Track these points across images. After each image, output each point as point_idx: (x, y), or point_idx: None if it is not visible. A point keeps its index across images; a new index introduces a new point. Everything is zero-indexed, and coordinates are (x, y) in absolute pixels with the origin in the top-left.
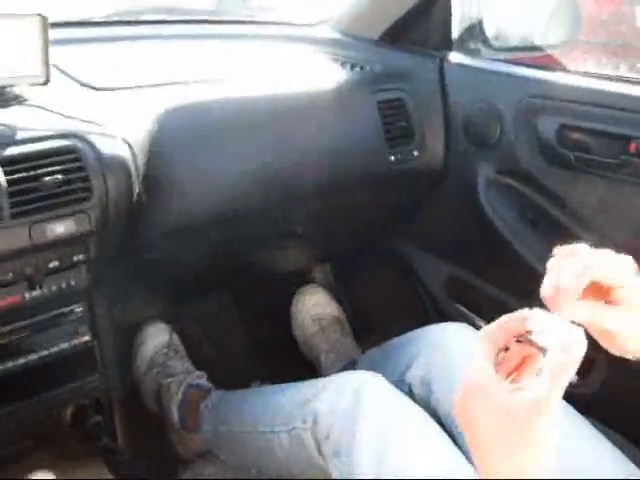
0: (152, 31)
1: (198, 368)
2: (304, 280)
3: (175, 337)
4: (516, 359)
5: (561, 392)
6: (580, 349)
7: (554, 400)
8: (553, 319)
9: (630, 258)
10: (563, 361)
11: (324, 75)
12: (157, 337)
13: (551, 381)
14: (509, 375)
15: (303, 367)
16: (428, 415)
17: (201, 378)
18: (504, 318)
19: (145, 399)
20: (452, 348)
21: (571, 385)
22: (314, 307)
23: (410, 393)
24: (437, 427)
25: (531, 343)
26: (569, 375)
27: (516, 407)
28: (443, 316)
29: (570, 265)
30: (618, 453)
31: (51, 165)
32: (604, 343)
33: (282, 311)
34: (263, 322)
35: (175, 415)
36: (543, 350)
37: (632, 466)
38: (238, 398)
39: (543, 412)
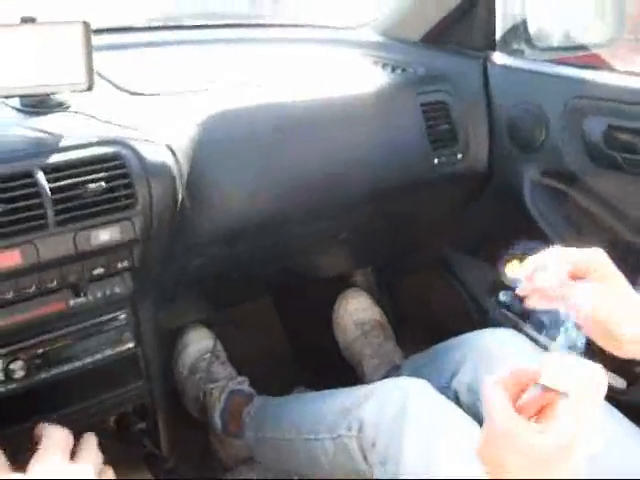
0: (192, 36)
1: (240, 373)
2: (346, 284)
3: (217, 342)
4: (535, 405)
5: (586, 434)
6: (601, 386)
7: (580, 442)
8: (568, 361)
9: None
10: (586, 402)
11: (366, 78)
12: (199, 342)
13: (577, 423)
14: (529, 419)
15: (346, 372)
16: (476, 422)
17: (243, 384)
18: (516, 367)
19: (187, 404)
20: (500, 354)
21: (618, 392)
22: (356, 311)
23: (457, 400)
24: None
25: (550, 389)
26: (593, 415)
27: (545, 449)
28: (488, 322)
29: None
30: None
31: (95, 172)
32: (602, 341)
33: (324, 315)
34: (305, 326)
35: (217, 421)
36: (564, 394)
37: None
38: (280, 405)
39: (570, 454)
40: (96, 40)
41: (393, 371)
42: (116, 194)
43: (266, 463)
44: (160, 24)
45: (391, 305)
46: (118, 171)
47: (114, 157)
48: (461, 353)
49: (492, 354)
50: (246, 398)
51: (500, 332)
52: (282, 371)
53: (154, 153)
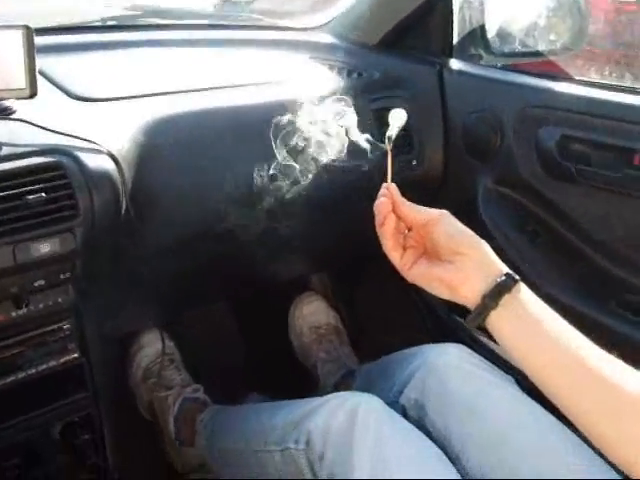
0: (147, 37)
1: (195, 377)
2: (302, 289)
3: (171, 345)
4: None
5: None
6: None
7: None
8: None
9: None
10: None
11: (320, 82)
12: (152, 345)
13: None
14: None
15: (301, 376)
16: (424, 436)
17: (197, 392)
18: None
19: (140, 408)
20: (447, 371)
21: None
22: (311, 316)
23: (405, 414)
24: (435, 448)
25: None
26: None
27: None
28: (441, 328)
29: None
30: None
31: (35, 183)
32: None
33: (280, 319)
34: (261, 330)
35: (171, 429)
36: None
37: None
38: (233, 414)
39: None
40: (47, 39)
41: (348, 376)
42: (57, 205)
43: (218, 472)
44: (116, 23)
45: (346, 310)
46: (59, 181)
47: (55, 167)
48: (411, 368)
49: (441, 371)
50: (200, 406)
51: (450, 348)
52: (237, 376)
53: (97, 162)
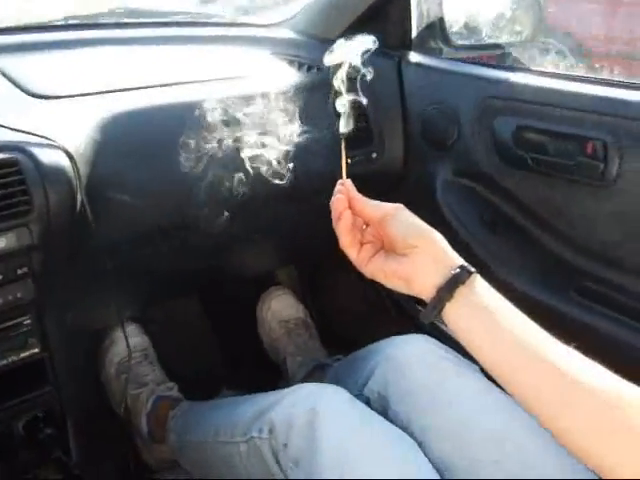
0: (109, 35)
1: (167, 371)
2: (270, 283)
3: (145, 340)
4: None
5: None
6: None
7: None
8: None
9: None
10: None
11: (279, 77)
12: (128, 339)
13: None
14: None
15: (270, 370)
16: (388, 422)
17: (171, 390)
18: None
19: (112, 404)
20: (410, 363)
21: None
22: (280, 310)
23: (369, 407)
24: (398, 431)
25: None
26: None
27: None
28: (408, 320)
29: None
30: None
31: None
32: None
33: (249, 314)
34: (230, 325)
35: (144, 425)
36: None
37: None
38: (203, 408)
39: None
40: (8, 39)
41: (317, 370)
42: (12, 200)
43: (187, 466)
44: (76, 22)
45: (315, 304)
46: (14, 177)
47: (10, 163)
48: (374, 361)
49: (403, 363)
50: (173, 403)
51: (413, 339)
52: (209, 369)
53: (52, 159)
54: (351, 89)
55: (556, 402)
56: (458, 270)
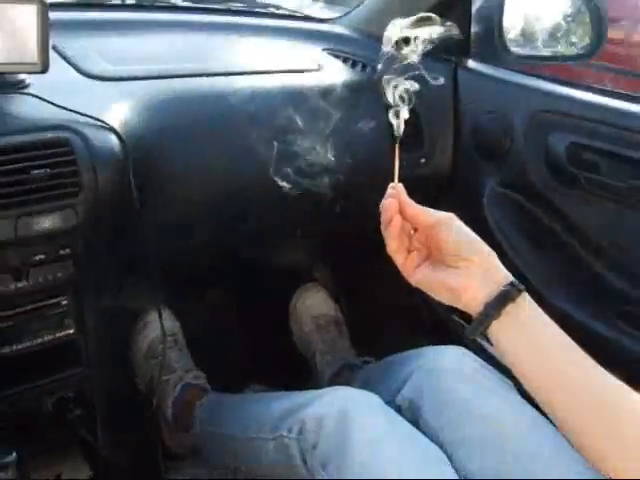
0: (165, 17)
1: (197, 361)
2: (305, 279)
3: (176, 325)
4: None
5: None
6: None
7: None
8: None
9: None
10: None
11: (333, 74)
12: (158, 324)
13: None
14: None
15: (300, 366)
16: (420, 433)
17: (199, 378)
18: None
19: (140, 386)
20: (446, 374)
21: None
22: (313, 306)
23: (400, 414)
24: (431, 445)
25: None
26: None
27: None
28: (442, 328)
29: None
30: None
31: (40, 158)
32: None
33: (282, 308)
34: (263, 318)
35: (169, 412)
36: None
37: None
38: (231, 402)
39: None
40: (64, 16)
41: (345, 369)
42: (61, 181)
43: (210, 456)
44: (134, 2)
45: (348, 303)
46: (64, 158)
47: (61, 143)
48: (408, 370)
49: (438, 374)
50: (200, 392)
51: (450, 350)
52: (238, 364)
53: (103, 140)
54: (405, 93)
55: (599, 433)
56: (508, 287)
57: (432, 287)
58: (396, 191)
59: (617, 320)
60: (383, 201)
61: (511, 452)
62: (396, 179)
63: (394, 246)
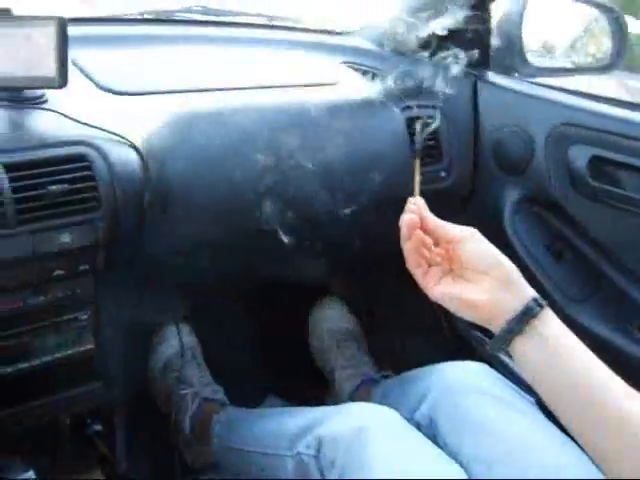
0: (184, 32)
1: (215, 375)
2: (324, 293)
3: (194, 340)
4: None
5: None
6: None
7: None
8: None
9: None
10: None
11: (353, 87)
12: (175, 339)
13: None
14: None
15: (318, 381)
16: (440, 450)
17: (217, 393)
18: None
19: (157, 400)
20: (465, 390)
21: None
22: (331, 320)
23: (419, 430)
24: (453, 463)
25: None
26: None
27: None
28: (462, 343)
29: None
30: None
31: (59, 173)
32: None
33: (300, 322)
34: (281, 333)
35: (187, 425)
36: None
37: None
38: (250, 416)
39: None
40: (84, 30)
41: (364, 384)
42: (80, 196)
43: (228, 471)
44: (153, 17)
45: (367, 317)
46: (83, 173)
47: (80, 158)
48: (427, 385)
49: (456, 389)
50: (218, 407)
51: (469, 365)
52: (256, 377)
53: (122, 156)
54: (425, 105)
55: (620, 451)
56: (530, 303)
57: (452, 302)
58: (416, 206)
59: (637, 334)
60: (403, 216)
61: (532, 469)
62: (417, 193)
63: (414, 261)
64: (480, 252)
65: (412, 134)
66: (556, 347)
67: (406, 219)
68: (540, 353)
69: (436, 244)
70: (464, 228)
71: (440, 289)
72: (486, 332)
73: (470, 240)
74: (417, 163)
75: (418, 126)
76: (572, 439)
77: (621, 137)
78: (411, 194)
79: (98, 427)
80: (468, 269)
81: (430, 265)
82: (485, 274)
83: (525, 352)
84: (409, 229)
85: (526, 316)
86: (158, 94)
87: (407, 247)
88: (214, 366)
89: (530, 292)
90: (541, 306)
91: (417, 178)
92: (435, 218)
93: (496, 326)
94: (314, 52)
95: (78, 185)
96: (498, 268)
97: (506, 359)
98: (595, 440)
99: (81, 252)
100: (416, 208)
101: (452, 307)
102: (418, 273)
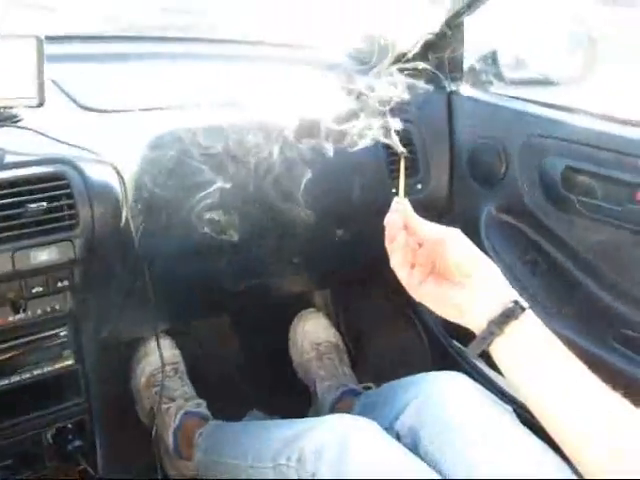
0: (164, 49)
1: (197, 389)
2: (304, 305)
3: (177, 354)
4: None
5: None
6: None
7: None
8: None
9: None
10: None
11: (328, 101)
12: (156, 353)
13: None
14: None
15: (300, 392)
16: (420, 460)
17: (200, 406)
18: None
19: (140, 415)
20: (444, 400)
21: None
22: (312, 332)
23: (398, 441)
24: (433, 473)
25: None
26: None
27: None
28: (441, 353)
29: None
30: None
31: (37, 192)
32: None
33: (281, 335)
34: (262, 345)
35: (170, 440)
36: None
37: None
38: (231, 430)
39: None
40: (62, 49)
41: (346, 395)
42: (58, 214)
43: None
44: (131, 34)
45: (347, 329)
46: (61, 191)
47: (58, 177)
48: (408, 395)
49: (436, 399)
50: (201, 421)
51: (449, 375)
52: (238, 390)
53: (99, 174)
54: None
55: (598, 447)
56: (512, 304)
57: (436, 302)
58: (402, 205)
59: (615, 343)
60: (388, 215)
61: (511, 476)
62: (401, 193)
63: (398, 261)
64: (464, 252)
65: (388, 147)
66: (537, 350)
67: (390, 219)
68: (521, 355)
69: (420, 245)
70: (448, 229)
71: (423, 289)
72: (465, 342)
73: (454, 241)
74: (402, 164)
75: (394, 135)
76: (551, 446)
77: (594, 148)
78: (385, 208)
79: (79, 442)
80: (451, 270)
81: (414, 265)
82: (468, 275)
83: (506, 354)
84: (393, 228)
85: (507, 318)
86: (135, 111)
87: (391, 247)
88: (197, 380)
89: (512, 294)
90: (522, 308)
91: (402, 179)
92: (419, 218)
93: (477, 327)
94: (289, 67)
95: (56, 203)
96: (482, 269)
97: (485, 368)
98: (572, 437)
99: (59, 269)
100: (401, 207)
101: (435, 307)
102: (402, 273)
